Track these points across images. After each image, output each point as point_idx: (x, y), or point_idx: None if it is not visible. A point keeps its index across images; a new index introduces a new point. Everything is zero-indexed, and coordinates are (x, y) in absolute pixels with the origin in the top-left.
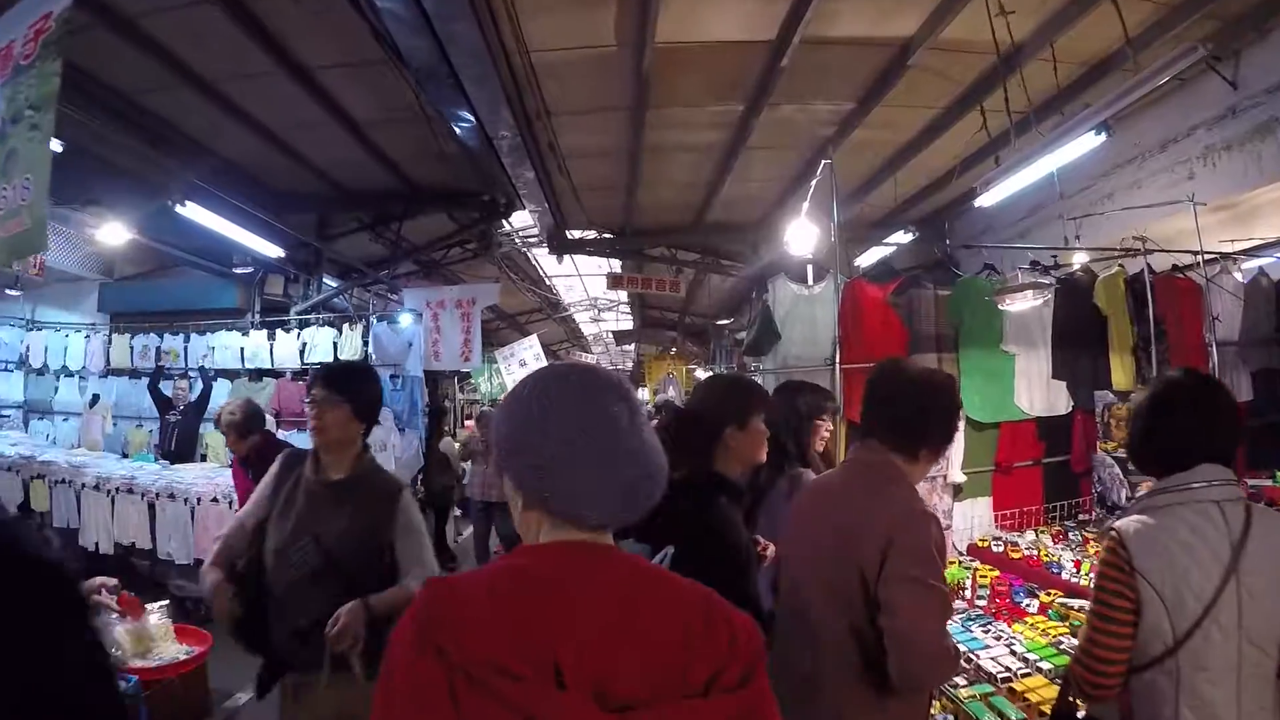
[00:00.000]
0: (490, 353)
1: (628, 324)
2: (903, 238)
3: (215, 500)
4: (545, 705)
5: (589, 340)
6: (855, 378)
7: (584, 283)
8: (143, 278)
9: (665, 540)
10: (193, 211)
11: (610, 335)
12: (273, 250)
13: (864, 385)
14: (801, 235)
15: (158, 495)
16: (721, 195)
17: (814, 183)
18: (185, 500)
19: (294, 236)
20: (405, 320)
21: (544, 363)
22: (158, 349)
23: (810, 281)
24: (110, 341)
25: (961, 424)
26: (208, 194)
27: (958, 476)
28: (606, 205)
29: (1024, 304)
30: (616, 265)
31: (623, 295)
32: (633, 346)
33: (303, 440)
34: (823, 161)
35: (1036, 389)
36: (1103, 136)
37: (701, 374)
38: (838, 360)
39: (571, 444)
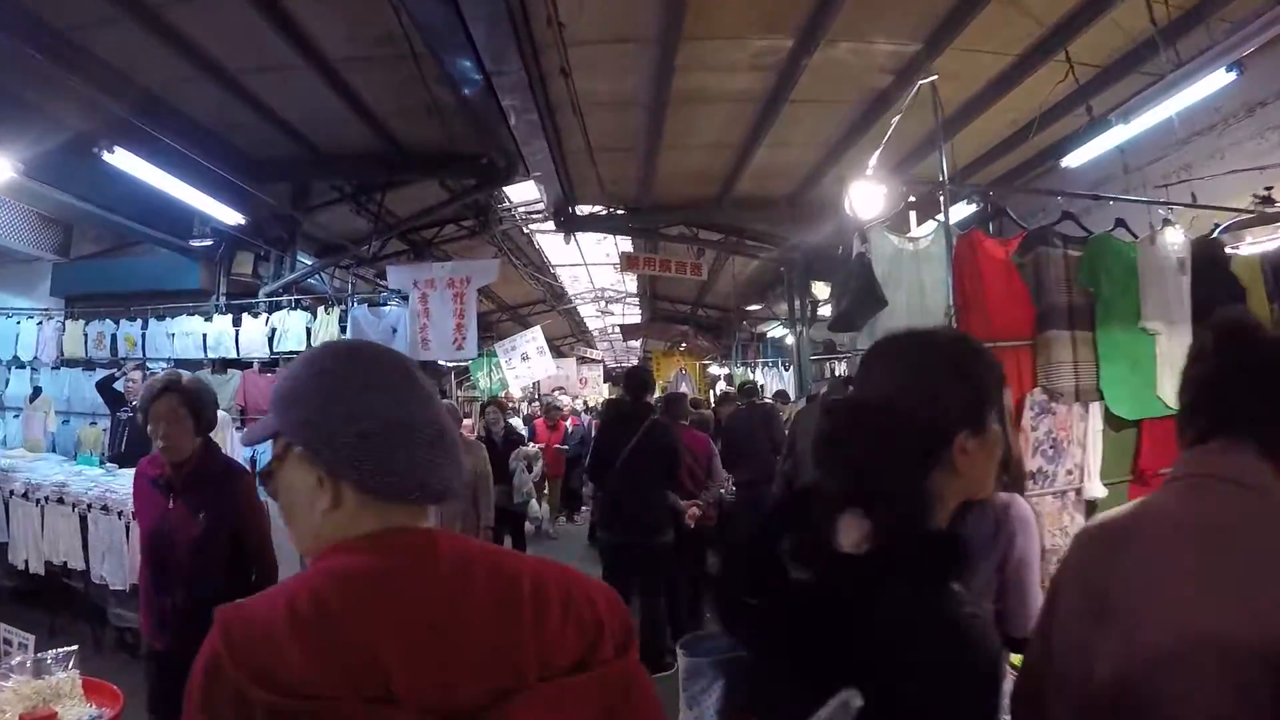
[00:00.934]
0: (489, 346)
1: (635, 317)
2: (964, 210)
3: None
4: None
5: (593, 335)
6: None
7: (590, 273)
8: (102, 257)
9: (834, 672)
10: (122, 160)
11: (615, 330)
12: (232, 216)
13: (1201, 353)
14: (868, 195)
15: (89, 507)
16: (753, 162)
17: (905, 103)
18: (120, 514)
19: (260, 199)
20: (390, 303)
21: (548, 357)
22: (113, 336)
23: (914, 231)
24: (64, 328)
25: (1099, 423)
26: (143, 139)
27: (1096, 490)
28: (622, 173)
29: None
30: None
31: (631, 286)
32: (638, 342)
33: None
34: (920, 81)
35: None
36: (1233, 75)
37: (717, 370)
38: None
39: (385, 412)
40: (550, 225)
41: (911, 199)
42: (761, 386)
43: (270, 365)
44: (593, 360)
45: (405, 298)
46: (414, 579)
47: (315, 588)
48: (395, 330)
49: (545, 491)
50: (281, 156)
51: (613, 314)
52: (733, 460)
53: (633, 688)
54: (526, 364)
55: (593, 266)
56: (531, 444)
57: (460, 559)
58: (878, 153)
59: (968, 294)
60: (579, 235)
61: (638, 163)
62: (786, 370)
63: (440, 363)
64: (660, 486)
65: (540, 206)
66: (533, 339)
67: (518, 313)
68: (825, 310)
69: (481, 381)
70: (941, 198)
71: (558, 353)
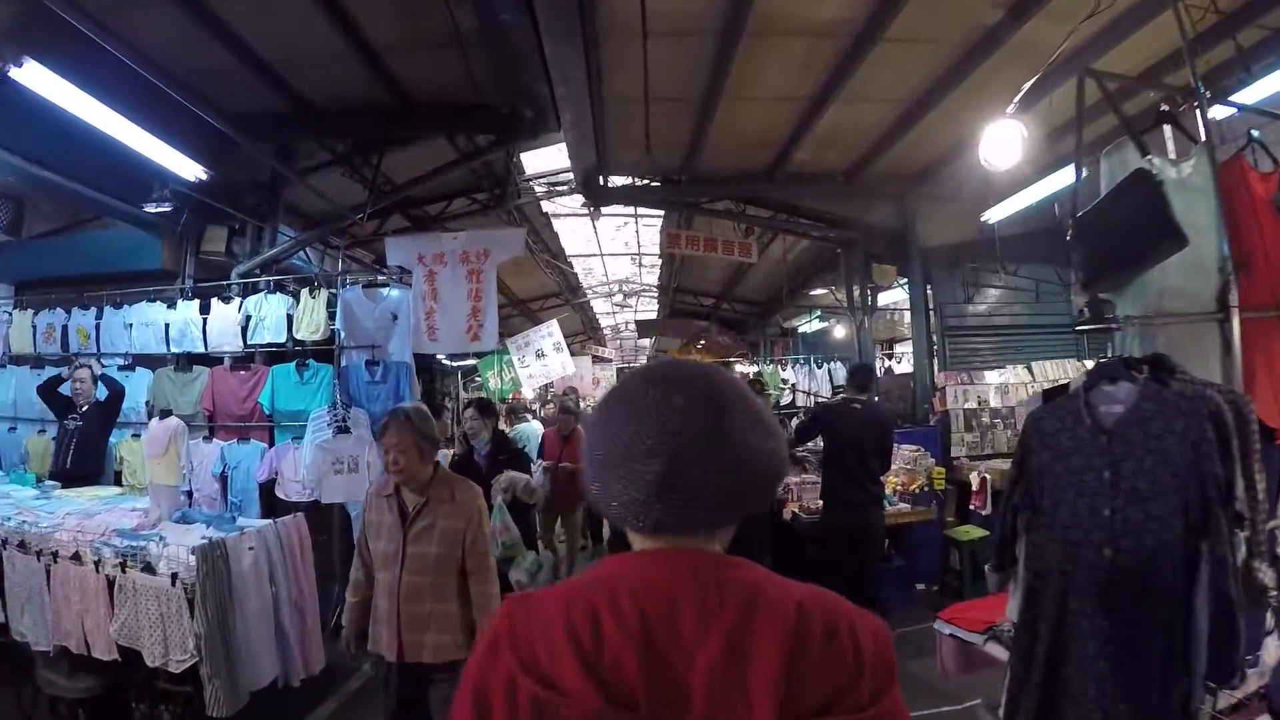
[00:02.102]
0: (500, 343)
1: (650, 313)
2: (1059, 181)
3: (77, 558)
4: None
5: (605, 333)
6: (1258, 335)
7: (605, 264)
8: (56, 235)
9: None
10: (33, 78)
11: (628, 327)
12: (192, 169)
13: None
14: (1006, 141)
15: (4, 543)
16: (818, 124)
17: None
18: (39, 554)
19: (232, 152)
20: (390, 285)
21: (566, 354)
22: (64, 329)
23: (1172, 153)
24: (10, 320)
25: None
26: (64, 51)
27: None
28: (671, 131)
29: None
30: (651, 236)
31: (650, 278)
32: (650, 341)
33: (246, 455)
34: None
35: None
36: None
37: (743, 369)
38: (1234, 300)
39: (603, 446)
40: (572, 204)
41: (1164, 107)
42: (794, 385)
43: (244, 361)
44: (605, 359)
45: (408, 278)
46: (677, 598)
47: (592, 592)
48: (395, 317)
49: (552, 529)
50: (265, 111)
51: (629, 307)
52: (843, 474)
53: None
54: (542, 362)
55: (609, 258)
56: (539, 461)
57: (723, 582)
58: (1028, 85)
59: (1245, 242)
60: (597, 223)
61: (691, 118)
62: (819, 368)
63: (442, 360)
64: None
65: (563, 179)
66: (549, 334)
67: (528, 307)
68: (886, 297)
69: (491, 382)
70: (1198, 111)
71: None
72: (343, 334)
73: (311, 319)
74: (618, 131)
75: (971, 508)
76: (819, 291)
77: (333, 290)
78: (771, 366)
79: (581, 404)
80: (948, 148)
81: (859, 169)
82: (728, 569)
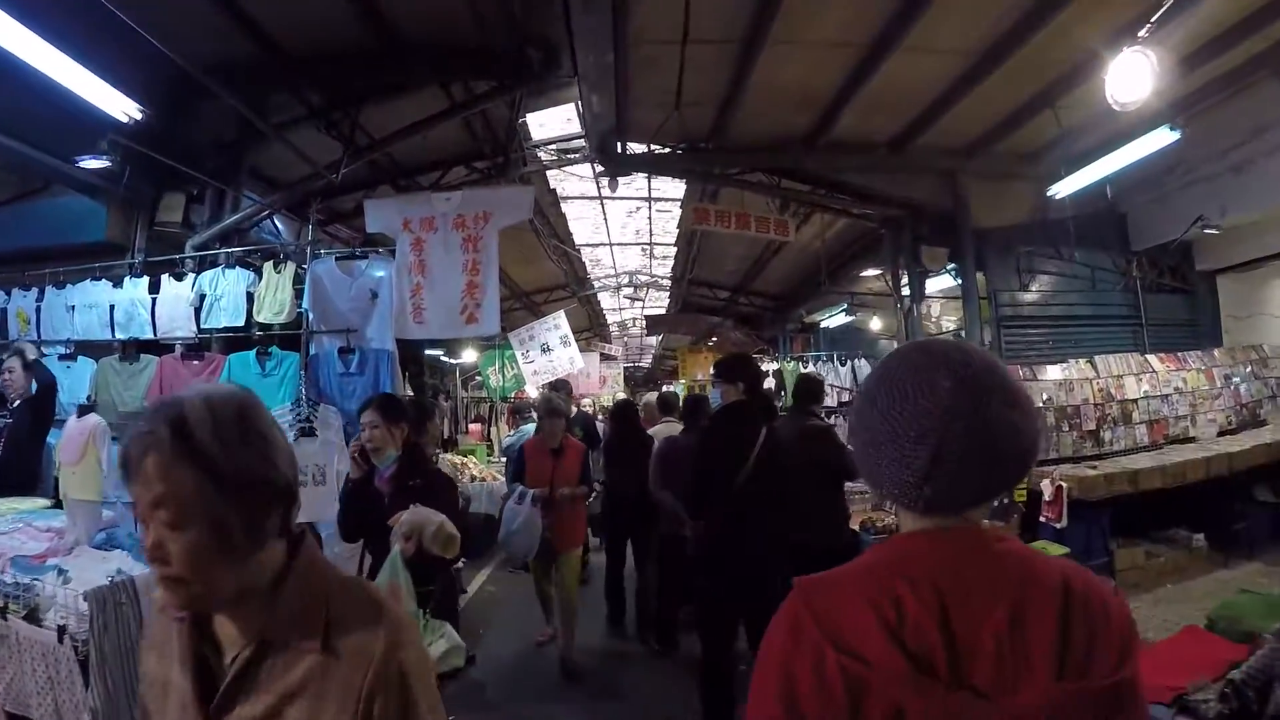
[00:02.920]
0: (502, 336)
1: (658, 308)
2: (1157, 140)
3: None
4: (938, 702)
5: (611, 330)
6: None
7: (614, 255)
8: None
9: None
10: None
11: (635, 324)
12: (124, 105)
13: None
14: (1135, 73)
15: None
16: (872, 80)
17: None
18: None
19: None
20: (370, 259)
21: (574, 348)
22: (3, 312)
23: None
24: None
25: None
26: None
27: None
28: (705, 85)
29: None
30: (665, 225)
31: (662, 270)
32: (657, 339)
33: None
34: None
35: None
36: None
37: (772, 365)
38: None
39: (871, 428)
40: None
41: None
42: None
43: (198, 348)
44: (611, 357)
45: (394, 250)
46: (963, 571)
47: (885, 571)
48: (375, 296)
49: (548, 578)
50: (224, 54)
51: (638, 300)
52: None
53: (1125, 700)
54: (548, 357)
55: (618, 248)
56: (517, 487)
57: (1000, 554)
58: (1160, 12)
59: None
60: (608, 208)
61: (729, 67)
62: (843, 365)
63: (442, 356)
64: None
65: (574, 146)
66: (555, 327)
67: (532, 300)
68: (934, 283)
69: (492, 379)
70: None
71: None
72: (312, 316)
73: (275, 298)
74: (642, 83)
75: (1043, 520)
76: (870, 272)
77: (301, 266)
78: (792, 364)
79: (584, 404)
80: (1007, 114)
81: (906, 139)
82: (998, 543)
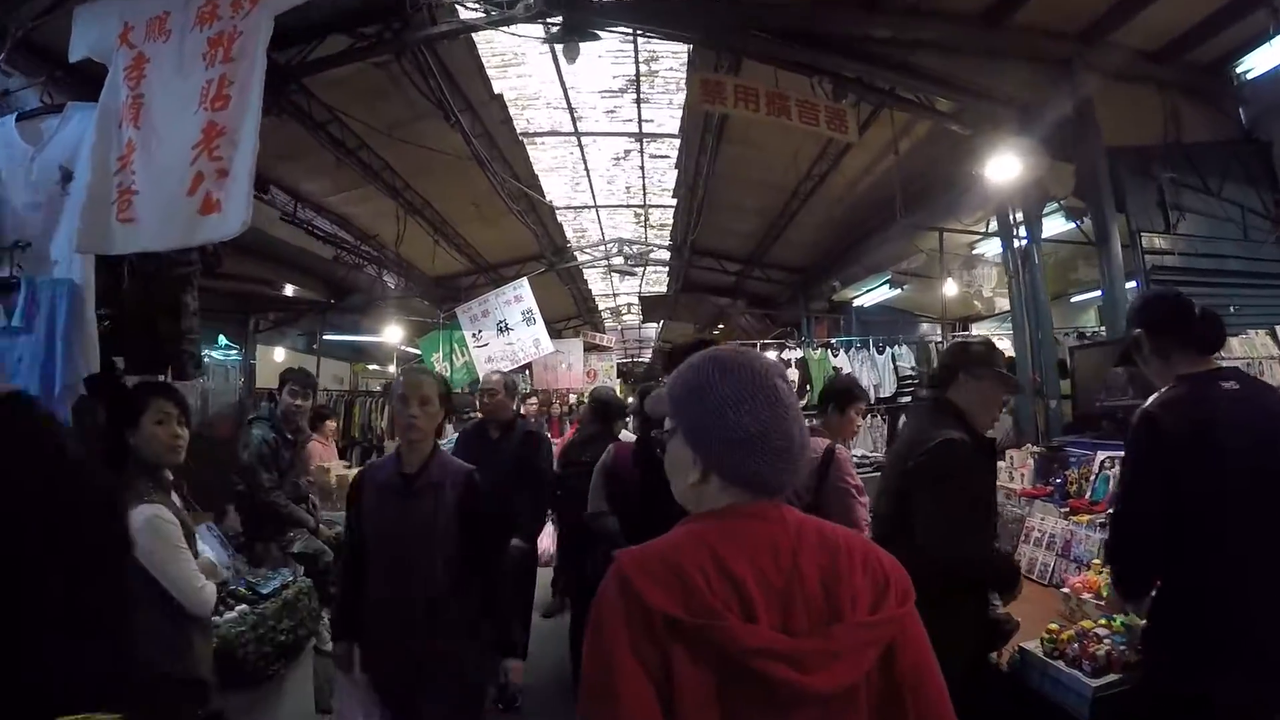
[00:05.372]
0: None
1: (661, 288)
2: None
3: None
4: (746, 637)
5: (604, 316)
6: None
7: (601, 220)
8: None
9: None
10: None
11: (631, 309)
12: None
13: None
14: None
15: None
16: None
17: None
18: None
19: None
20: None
21: (540, 326)
22: None
23: None
24: None
25: None
26: None
27: None
28: None
29: None
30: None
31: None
32: (656, 328)
33: None
34: None
35: None
36: None
37: (793, 354)
38: None
39: (731, 432)
40: (535, 60)
41: None
42: (849, 374)
43: None
44: (603, 348)
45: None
46: (766, 535)
47: (700, 541)
48: (70, 177)
49: None
50: None
51: (632, 274)
52: None
53: (908, 629)
54: (505, 338)
55: (604, 210)
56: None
57: (798, 523)
58: None
59: None
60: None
61: None
62: (880, 354)
63: (399, 348)
64: None
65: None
66: (515, 298)
67: (500, 274)
68: (1053, 223)
69: (437, 367)
70: None
71: (556, 335)
72: None
73: None
74: None
75: None
76: (973, 225)
77: None
78: (819, 352)
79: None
80: None
81: (1009, 8)
82: (796, 513)
